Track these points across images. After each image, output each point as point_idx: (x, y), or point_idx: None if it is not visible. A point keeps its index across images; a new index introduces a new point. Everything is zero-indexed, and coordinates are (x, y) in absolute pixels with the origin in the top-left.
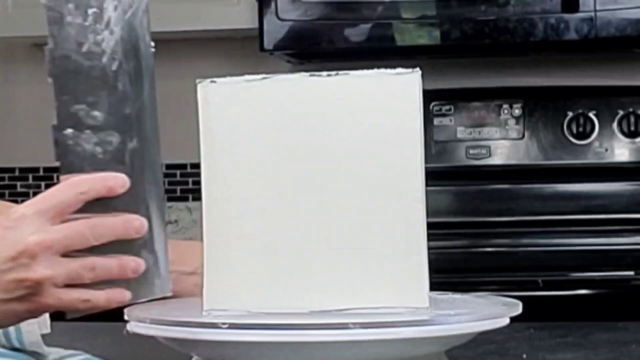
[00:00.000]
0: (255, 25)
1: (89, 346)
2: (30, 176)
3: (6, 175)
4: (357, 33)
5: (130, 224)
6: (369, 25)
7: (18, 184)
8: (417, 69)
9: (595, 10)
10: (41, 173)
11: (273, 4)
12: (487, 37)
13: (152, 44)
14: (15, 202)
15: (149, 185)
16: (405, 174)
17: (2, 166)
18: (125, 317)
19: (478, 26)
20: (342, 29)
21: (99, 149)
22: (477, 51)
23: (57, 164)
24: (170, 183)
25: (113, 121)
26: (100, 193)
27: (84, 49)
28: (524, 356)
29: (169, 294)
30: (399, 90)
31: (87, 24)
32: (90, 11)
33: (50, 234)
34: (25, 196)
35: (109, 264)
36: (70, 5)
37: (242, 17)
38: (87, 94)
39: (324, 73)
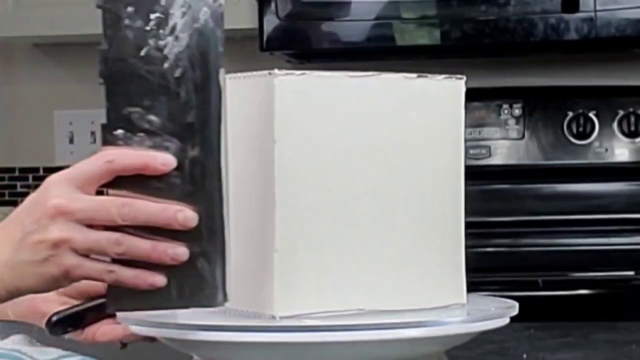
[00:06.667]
0: (255, 25)
1: (89, 346)
2: (30, 176)
3: (6, 175)
4: (357, 33)
5: (170, 210)
6: (369, 25)
7: (18, 184)
8: (463, 77)
9: (595, 10)
10: (41, 173)
11: (273, 4)
12: (487, 37)
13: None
14: (15, 202)
15: (210, 194)
16: (449, 178)
17: (2, 166)
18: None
19: (478, 26)
20: (343, 29)
21: None
22: (477, 51)
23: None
24: None
25: (172, 127)
26: (135, 167)
27: (143, 52)
28: (524, 356)
29: (220, 306)
30: (445, 95)
31: (148, 28)
32: (153, 16)
33: (71, 201)
34: (25, 196)
35: (140, 243)
36: (130, 9)
37: (242, 17)
38: (143, 98)
39: (369, 73)
